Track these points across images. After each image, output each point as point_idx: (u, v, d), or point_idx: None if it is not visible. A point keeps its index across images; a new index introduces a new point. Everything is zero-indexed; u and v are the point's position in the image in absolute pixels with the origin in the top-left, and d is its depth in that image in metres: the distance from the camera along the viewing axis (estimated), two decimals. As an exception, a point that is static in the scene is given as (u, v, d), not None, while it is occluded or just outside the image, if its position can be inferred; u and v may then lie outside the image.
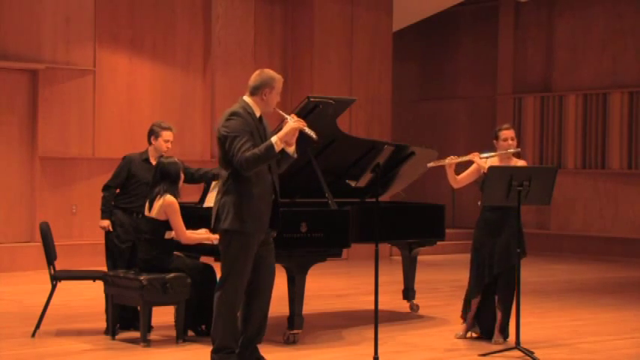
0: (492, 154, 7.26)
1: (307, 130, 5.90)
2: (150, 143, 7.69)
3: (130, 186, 7.61)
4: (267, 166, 5.97)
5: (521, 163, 7.29)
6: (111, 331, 7.17)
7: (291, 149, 5.97)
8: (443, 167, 7.29)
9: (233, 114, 5.96)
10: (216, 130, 6.08)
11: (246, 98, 6.08)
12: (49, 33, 12.10)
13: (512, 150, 7.21)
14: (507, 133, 7.24)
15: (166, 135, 7.67)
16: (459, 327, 7.48)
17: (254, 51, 13.63)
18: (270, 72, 6.11)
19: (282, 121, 6.13)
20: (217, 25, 13.35)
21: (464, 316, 7.40)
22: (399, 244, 8.71)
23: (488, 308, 7.26)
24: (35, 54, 11.96)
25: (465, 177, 7.37)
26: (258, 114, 6.05)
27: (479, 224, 7.29)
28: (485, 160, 7.22)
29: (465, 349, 7.03)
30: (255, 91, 6.06)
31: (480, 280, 7.22)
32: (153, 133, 7.68)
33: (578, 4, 15.40)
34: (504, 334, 7.17)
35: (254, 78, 6.09)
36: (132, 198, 7.59)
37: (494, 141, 7.30)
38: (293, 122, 5.88)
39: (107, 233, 7.61)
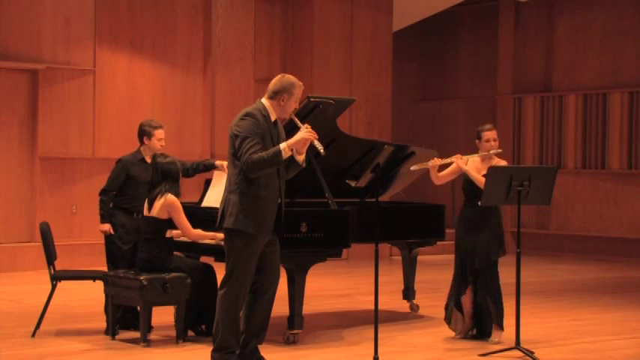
0: (475, 155, 7.29)
1: (317, 143, 5.89)
2: (142, 143, 7.66)
3: (128, 187, 7.58)
4: (277, 170, 5.97)
5: (502, 163, 7.29)
6: (111, 331, 7.17)
7: (301, 158, 5.96)
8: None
9: (247, 114, 5.95)
10: (230, 129, 6.06)
11: (264, 101, 6.07)
12: (49, 33, 12.10)
13: (493, 151, 7.22)
14: (490, 134, 7.26)
15: (159, 134, 7.64)
16: (459, 328, 7.46)
17: (254, 51, 13.63)
18: (291, 78, 6.10)
19: (288, 121, 6.13)
20: (217, 25, 13.34)
21: (446, 320, 7.41)
22: (399, 244, 8.72)
23: (482, 308, 7.25)
24: (35, 54, 11.97)
25: (446, 175, 7.41)
26: (273, 118, 6.03)
27: (459, 222, 7.32)
28: (466, 161, 7.26)
29: (465, 349, 7.03)
30: (274, 95, 6.04)
31: (464, 277, 7.23)
32: (145, 133, 7.64)
33: (578, 4, 15.40)
34: (500, 325, 7.18)
35: (274, 82, 6.07)
36: (131, 198, 7.58)
37: (477, 141, 7.31)
38: (305, 133, 5.87)
39: (108, 236, 7.59)
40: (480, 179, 7.08)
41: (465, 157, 7.29)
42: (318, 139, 5.92)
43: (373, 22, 14.29)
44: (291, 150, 5.86)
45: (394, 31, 14.84)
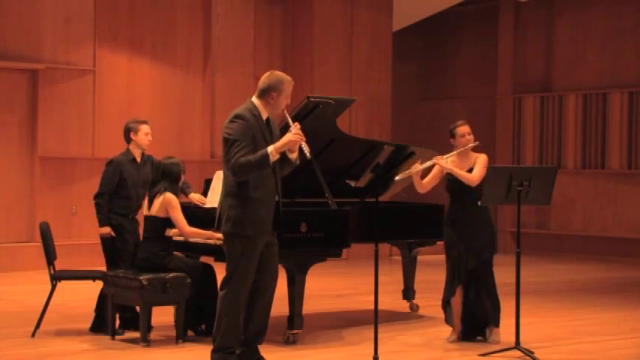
0: (454, 152, 7.19)
1: (304, 146, 5.87)
2: (129, 141, 7.56)
3: (122, 190, 7.46)
4: (272, 169, 5.94)
5: (482, 157, 7.20)
6: (111, 331, 7.17)
7: (294, 156, 5.94)
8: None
9: (237, 116, 5.91)
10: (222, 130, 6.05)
11: (254, 100, 6.03)
12: (49, 33, 12.10)
13: (471, 145, 7.14)
14: (464, 129, 7.19)
15: (145, 128, 7.56)
16: (449, 330, 7.42)
17: (254, 51, 13.63)
18: (279, 75, 6.03)
19: (285, 121, 6.12)
20: (217, 25, 13.35)
21: (447, 321, 7.37)
22: (399, 244, 8.72)
23: (471, 308, 7.20)
24: (35, 54, 11.96)
25: (429, 181, 7.30)
26: (265, 116, 6.00)
27: (446, 223, 7.27)
28: (447, 161, 7.16)
29: (465, 349, 7.03)
30: (262, 94, 6.00)
31: (454, 279, 7.18)
32: (132, 130, 7.54)
33: (578, 4, 15.40)
34: (496, 323, 7.13)
35: (263, 80, 6.02)
36: (126, 201, 7.47)
37: (451, 139, 7.25)
38: (292, 135, 5.83)
39: (108, 238, 7.50)
40: (464, 175, 7.04)
41: (445, 157, 7.19)
42: (306, 142, 5.87)
43: (373, 22, 14.29)
44: (279, 153, 5.81)
45: (394, 31, 14.84)
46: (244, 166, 5.76)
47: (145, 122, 7.61)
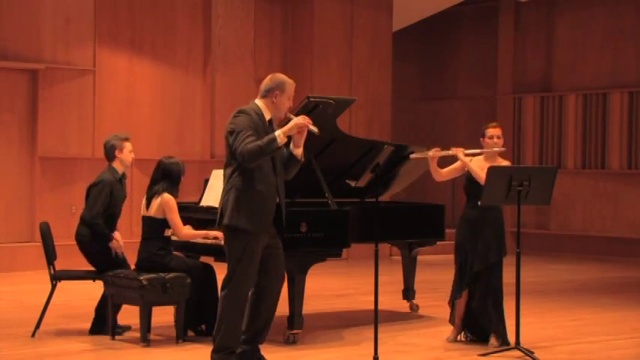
0: (477, 151, 7.19)
1: (312, 127, 5.92)
2: (112, 158, 7.40)
3: (109, 208, 7.33)
4: (273, 167, 5.97)
5: (505, 163, 7.21)
6: (111, 331, 7.16)
7: (299, 151, 5.98)
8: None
9: (240, 111, 5.99)
10: (224, 129, 6.06)
11: (257, 101, 6.09)
12: (49, 33, 12.10)
13: (496, 149, 7.13)
14: (494, 131, 7.17)
15: (129, 145, 7.45)
16: (449, 330, 7.42)
17: (254, 51, 13.64)
18: (281, 76, 6.13)
19: (286, 119, 6.14)
20: (217, 25, 13.35)
21: (451, 320, 7.38)
22: (399, 244, 8.72)
23: (475, 309, 7.18)
24: (35, 54, 11.96)
25: (448, 172, 7.32)
26: (267, 117, 6.04)
27: (460, 223, 7.26)
28: (470, 158, 7.17)
29: (465, 349, 7.03)
30: (265, 94, 6.06)
31: (463, 280, 7.18)
32: (116, 147, 7.38)
33: (578, 4, 15.40)
34: (503, 339, 7.07)
35: (265, 81, 6.11)
36: (111, 219, 7.36)
37: (481, 138, 7.25)
38: (298, 118, 5.90)
39: (109, 247, 7.35)
40: (480, 175, 7.03)
41: (466, 151, 7.18)
42: (313, 123, 5.91)
43: (373, 22, 14.29)
44: (286, 136, 5.85)
45: (394, 31, 14.84)
46: (253, 151, 5.78)
47: (127, 139, 7.47)
